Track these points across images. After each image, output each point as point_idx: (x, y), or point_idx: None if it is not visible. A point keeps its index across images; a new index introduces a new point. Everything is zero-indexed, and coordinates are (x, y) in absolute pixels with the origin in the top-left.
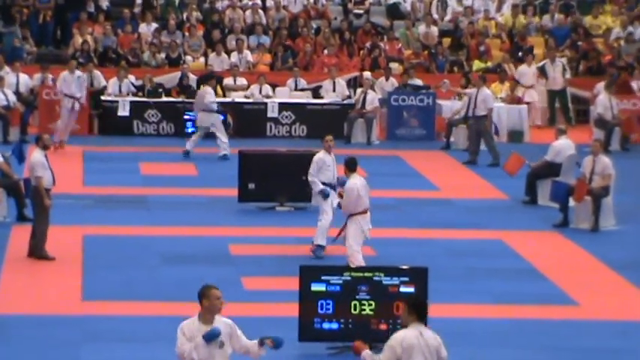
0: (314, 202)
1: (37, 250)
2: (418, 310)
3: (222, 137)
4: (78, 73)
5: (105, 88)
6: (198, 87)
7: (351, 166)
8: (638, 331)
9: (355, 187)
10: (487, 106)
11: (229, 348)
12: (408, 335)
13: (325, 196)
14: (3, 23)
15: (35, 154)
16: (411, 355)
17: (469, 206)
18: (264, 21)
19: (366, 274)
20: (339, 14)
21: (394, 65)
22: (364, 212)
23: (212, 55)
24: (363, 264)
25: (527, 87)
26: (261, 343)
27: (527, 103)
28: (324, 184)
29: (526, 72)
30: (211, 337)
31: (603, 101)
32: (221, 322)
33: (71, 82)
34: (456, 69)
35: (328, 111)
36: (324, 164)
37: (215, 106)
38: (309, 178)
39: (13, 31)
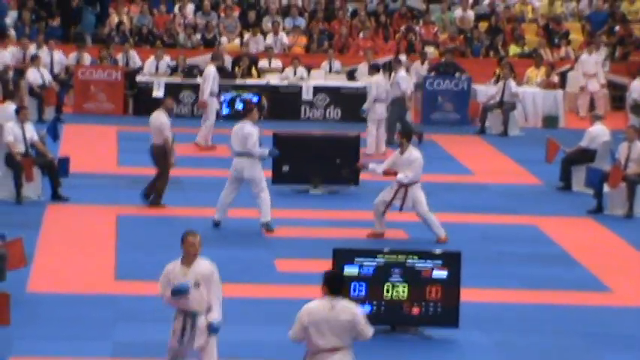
0: (248, 175)
1: (155, 200)
2: (330, 283)
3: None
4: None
5: (140, 68)
6: (233, 68)
7: (408, 136)
8: None
9: (420, 156)
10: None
11: (204, 289)
12: (316, 306)
13: (277, 154)
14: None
15: (161, 117)
16: (317, 328)
17: (503, 191)
18: (299, 3)
19: (399, 258)
20: None
21: (430, 49)
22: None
23: (247, 36)
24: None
25: (590, 76)
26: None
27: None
28: None
29: (588, 60)
30: (177, 293)
31: (639, 87)
32: (201, 264)
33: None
34: (491, 54)
35: (363, 94)
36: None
37: None
38: (255, 150)
39: (92, 10)
